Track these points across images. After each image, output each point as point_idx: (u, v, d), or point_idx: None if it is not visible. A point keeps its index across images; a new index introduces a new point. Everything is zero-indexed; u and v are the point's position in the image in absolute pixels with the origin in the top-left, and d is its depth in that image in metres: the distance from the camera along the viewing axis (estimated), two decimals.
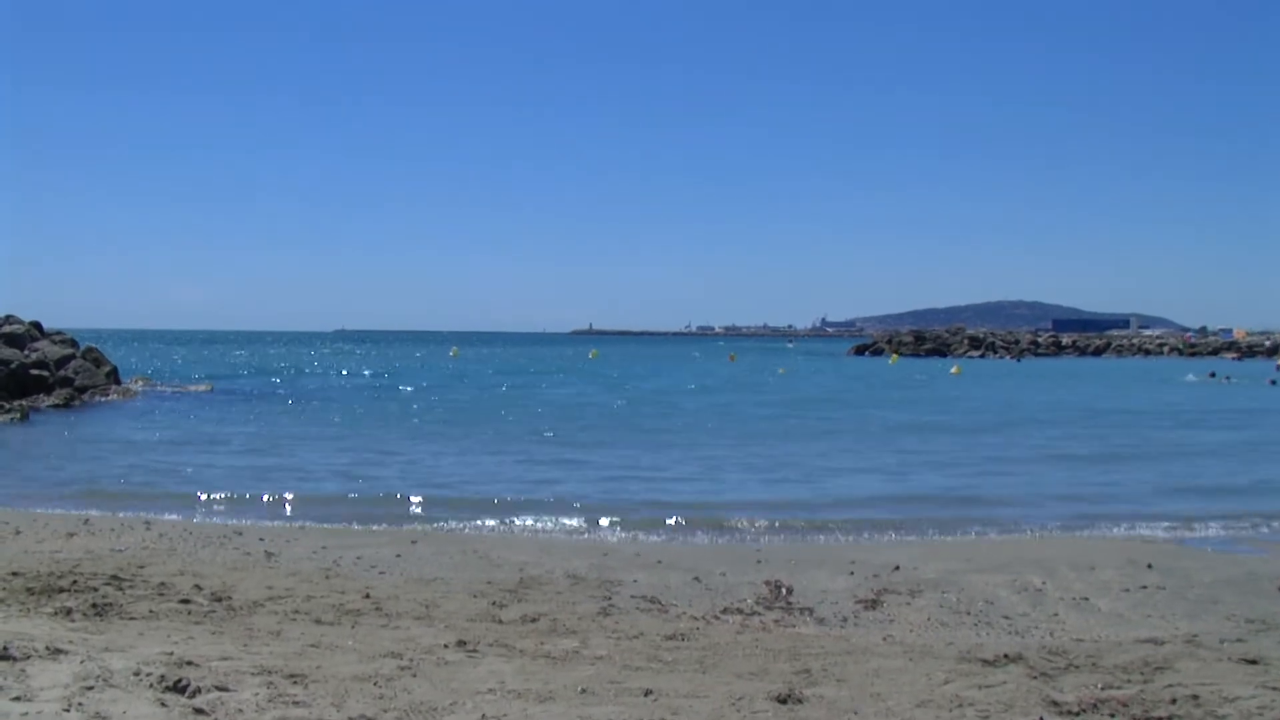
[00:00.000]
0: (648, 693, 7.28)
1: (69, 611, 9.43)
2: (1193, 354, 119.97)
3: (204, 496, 18.54)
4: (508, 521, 16.52)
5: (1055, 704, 7.15)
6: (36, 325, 40.75)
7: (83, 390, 38.34)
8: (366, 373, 70.64)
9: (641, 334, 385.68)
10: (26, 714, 5.99)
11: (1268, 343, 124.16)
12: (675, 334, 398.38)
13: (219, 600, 10.39)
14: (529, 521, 16.53)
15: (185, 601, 10.23)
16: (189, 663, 7.35)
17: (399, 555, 13.39)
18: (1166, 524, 16.69)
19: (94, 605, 9.76)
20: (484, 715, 6.62)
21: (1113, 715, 6.90)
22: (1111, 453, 26.67)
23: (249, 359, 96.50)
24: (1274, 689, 7.39)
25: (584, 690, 7.30)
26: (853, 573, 12.64)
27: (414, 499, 18.45)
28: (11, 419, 31.00)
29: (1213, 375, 69.07)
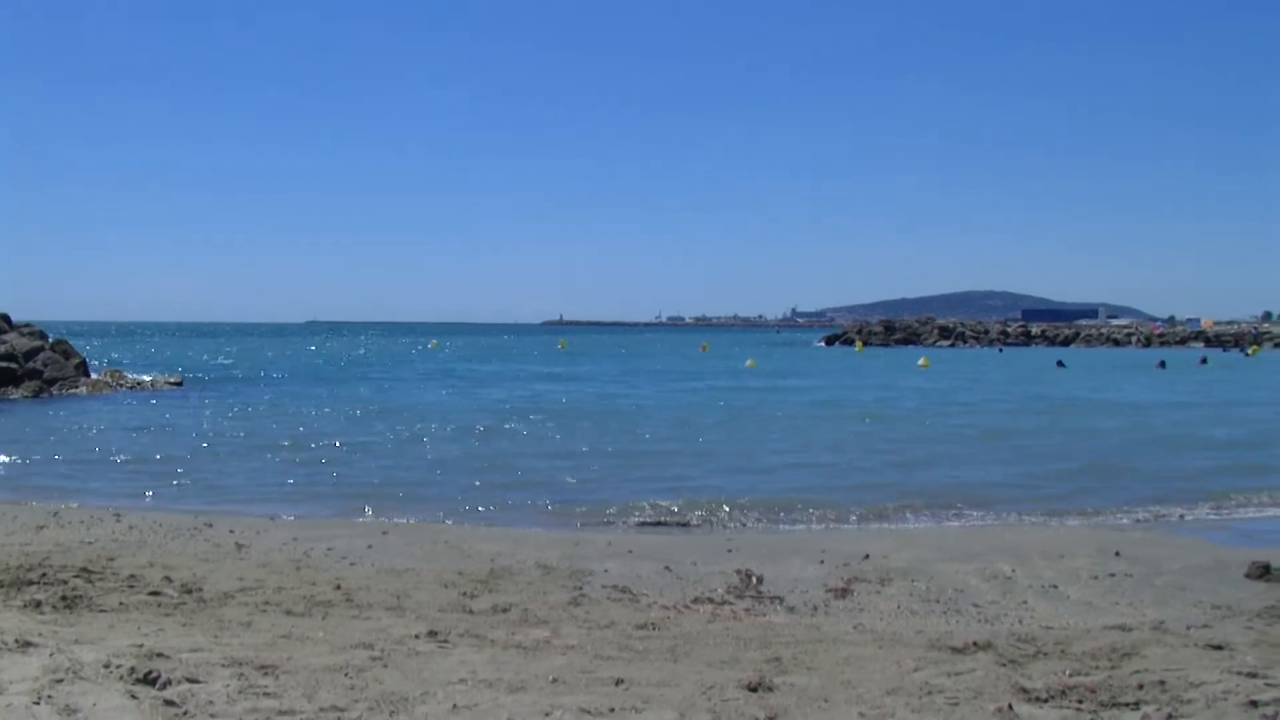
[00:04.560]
0: (619, 682, 7.29)
1: (38, 604, 9.40)
2: (1161, 344, 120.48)
3: (173, 488, 18.49)
4: (479, 512, 16.53)
5: (1024, 691, 7.19)
6: (4, 318, 40.60)
7: (51, 383, 38.15)
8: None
9: (612, 324, 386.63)
10: None
11: (1234, 332, 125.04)
12: (646, 324, 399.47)
13: (189, 592, 10.36)
14: (500, 512, 16.54)
15: (155, 593, 10.20)
16: (159, 654, 7.34)
17: (370, 546, 13.37)
18: (1135, 511, 16.83)
19: (64, 598, 9.72)
20: (455, 705, 6.62)
21: (1080, 701, 6.94)
22: (1084, 439, 26.80)
23: (222, 351, 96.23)
24: (1239, 674, 7.45)
25: (555, 680, 7.31)
26: (823, 561, 12.68)
27: (384, 490, 18.43)
28: None
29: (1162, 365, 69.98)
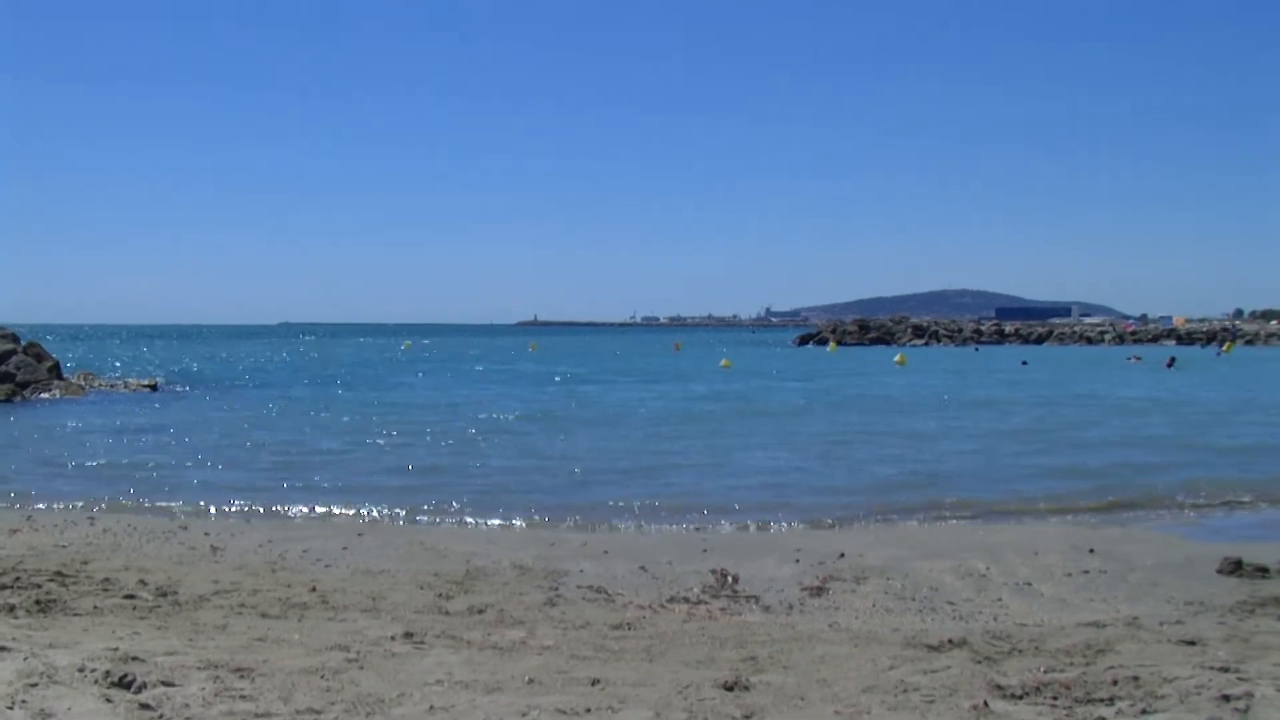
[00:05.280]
0: (595, 682, 7.30)
1: (12, 608, 9.35)
2: (1135, 341, 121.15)
3: (147, 491, 18.39)
4: (454, 513, 16.51)
5: (999, 688, 7.23)
6: None
7: (24, 386, 37.88)
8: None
9: (587, 325, 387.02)
10: None
11: (1206, 329, 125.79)
12: (621, 324, 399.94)
13: (164, 595, 10.32)
14: (475, 512, 16.52)
15: (130, 597, 10.17)
16: (134, 658, 7.32)
17: (345, 547, 13.35)
18: (1107, 508, 16.91)
19: (37, 602, 9.68)
20: (432, 706, 6.62)
21: (1055, 698, 6.98)
22: (1061, 436, 26.90)
23: (196, 353, 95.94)
24: (1212, 669, 7.51)
25: (531, 680, 7.31)
26: (798, 560, 12.71)
27: (359, 491, 18.39)
28: None
29: (1138, 359, 71.11)
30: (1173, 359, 69.48)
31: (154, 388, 44.44)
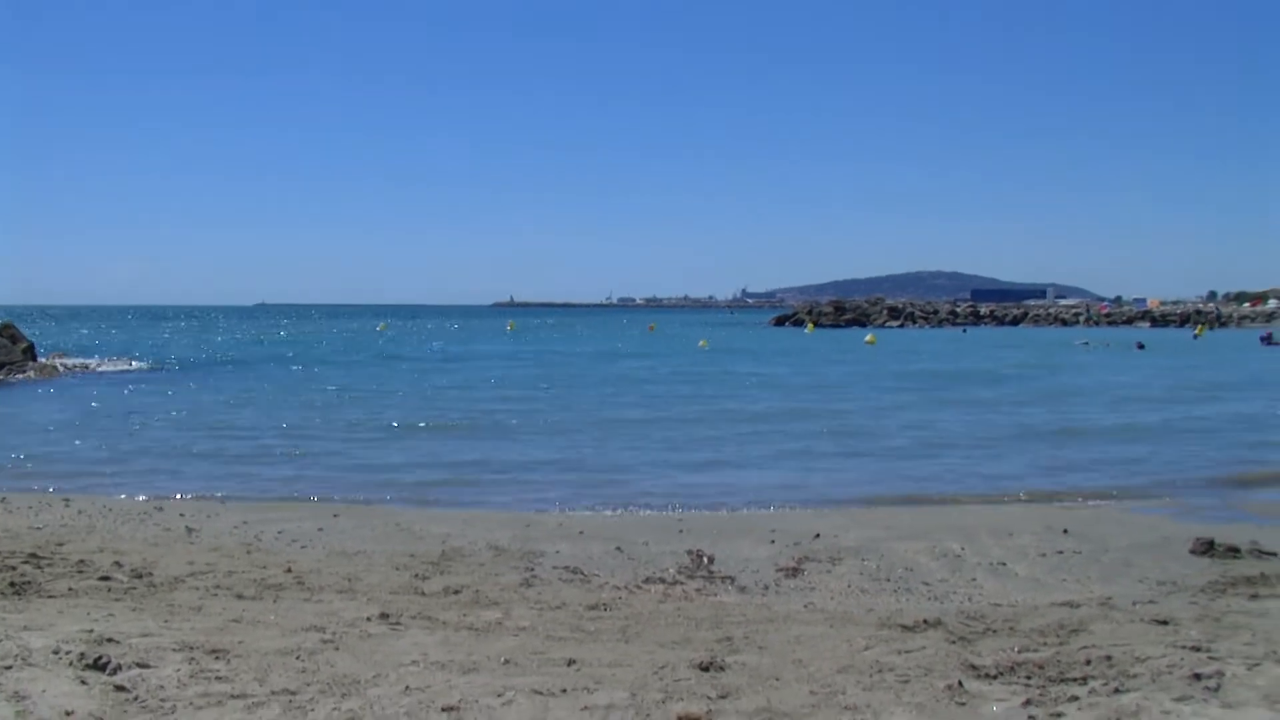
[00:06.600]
0: (571, 662, 7.31)
1: None
2: (1109, 323, 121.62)
3: (122, 472, 18.31)
4: (430, 494, 16.49)
5: (973, 667, 7.26)
6: None
7: None
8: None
9: (563, 305, 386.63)
10: None
11: (1180, 312, 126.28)
12: (597, 305, 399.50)
13: (139, 577, 10.29)
14: (451, 494, 16.51)
15: (105, 579, 10.13)
16: (109, 640, 7.29)
17: (321, 529, 13.33)
18: (1081, 488, 16.99)
19: (12, 584, 9.64)
20: (407, 687, 6.61)
21: (1029, 678, 7.01)
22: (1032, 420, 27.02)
23: (173, 334, 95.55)
24: (1183, 648, 7.54)
25: (507, 661, 7.31)
26: (774, 541, 12.74)
27: (335, 472, 18.36)
28: None
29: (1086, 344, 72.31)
30: (1141, 344, 69.89)
31: (131, 369, 44.25)
